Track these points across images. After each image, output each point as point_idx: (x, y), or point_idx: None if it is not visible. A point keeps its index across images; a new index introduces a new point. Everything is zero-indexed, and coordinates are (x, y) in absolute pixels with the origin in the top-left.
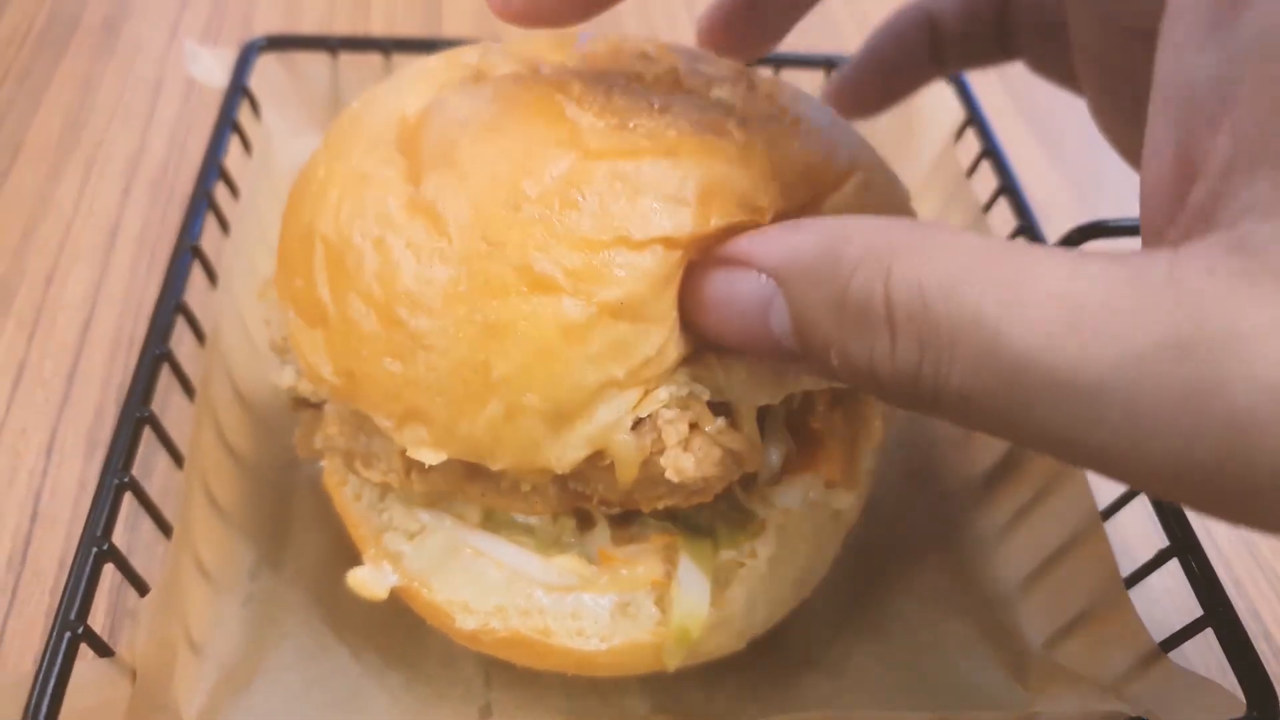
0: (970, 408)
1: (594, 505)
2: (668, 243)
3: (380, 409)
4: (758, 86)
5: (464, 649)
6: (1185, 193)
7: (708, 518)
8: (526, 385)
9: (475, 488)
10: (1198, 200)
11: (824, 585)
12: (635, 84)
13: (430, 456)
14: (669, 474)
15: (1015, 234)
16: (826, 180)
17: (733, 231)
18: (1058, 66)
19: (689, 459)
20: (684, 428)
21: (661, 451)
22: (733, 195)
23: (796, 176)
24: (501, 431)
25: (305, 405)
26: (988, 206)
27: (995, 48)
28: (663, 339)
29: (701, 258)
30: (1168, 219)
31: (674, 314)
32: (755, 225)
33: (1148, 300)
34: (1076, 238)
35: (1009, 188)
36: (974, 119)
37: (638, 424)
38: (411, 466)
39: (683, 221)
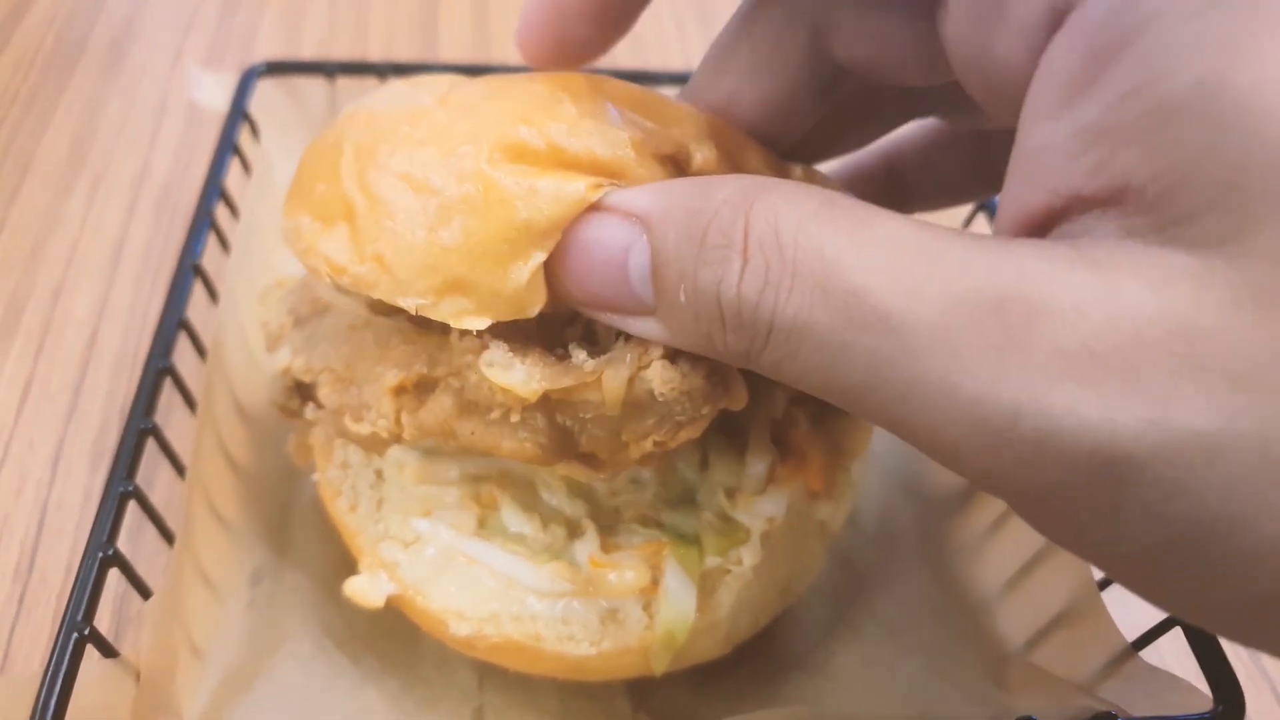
0: (799, 343)
1: (582, 446)
2: (678, 162)
3: (414, 287)
4: None
5: (459, 653)
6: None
7: (694, 526)
8: (561, 230)
9: (466, 425)
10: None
11: (809, 591)
12: None
13: (476, 323)
14: (654, 385)
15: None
16: (781, 169)
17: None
18: None
19: (674, 371)
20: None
21: (648, 366)
22: (735, 149)
23: (763, 160)
24: (540, 278)
25: (297, 402)
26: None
27: (972, 183)
28: None
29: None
30: None
31: None
32: None
33: (978, 254)
34: None
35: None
36: None
37: (624, 341)
38: (401, 409)
39: (708, 152)
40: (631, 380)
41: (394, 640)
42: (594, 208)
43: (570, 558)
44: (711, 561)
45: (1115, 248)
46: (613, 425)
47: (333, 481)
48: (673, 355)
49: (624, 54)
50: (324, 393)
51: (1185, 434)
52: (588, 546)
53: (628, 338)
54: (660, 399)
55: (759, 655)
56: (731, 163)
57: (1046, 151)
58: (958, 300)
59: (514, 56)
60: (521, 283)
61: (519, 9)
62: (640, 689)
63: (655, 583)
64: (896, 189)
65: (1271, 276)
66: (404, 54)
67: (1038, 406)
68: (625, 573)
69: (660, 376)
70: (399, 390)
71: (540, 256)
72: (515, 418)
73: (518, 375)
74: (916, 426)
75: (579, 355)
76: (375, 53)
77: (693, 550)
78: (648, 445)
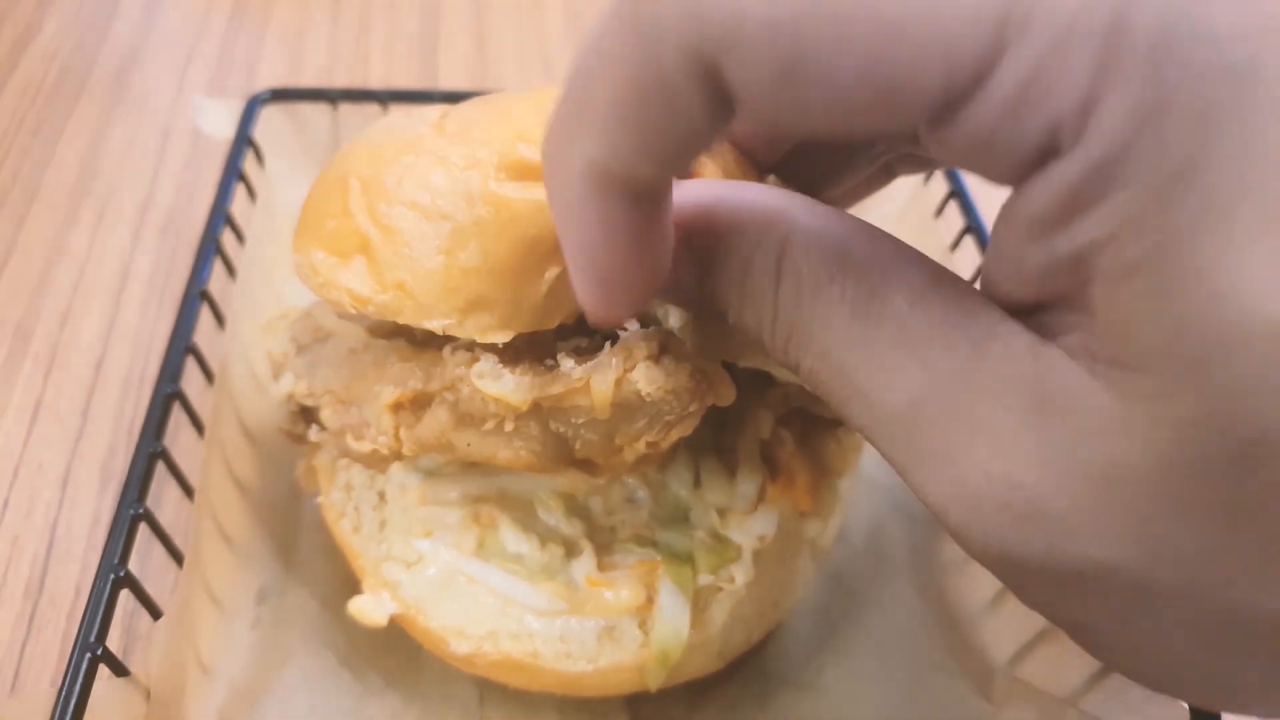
0: (815, 383)
1: (577, 452)
2: None
3: (438, 310)
4: None
5: (460, 669)
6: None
7: (687, 545)
8: None
9: (462, 437)
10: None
11: (800, 606)
12: None
13: (501, 337)
14: (640, 385)
15: (980, 271)
16: (752, 173)
17: None
18: None
19: (659, 371)
20: (654, 345)
21: (633, 368)
22: (729, 163)
23: (735, 160)
24: (558, 290)
25: (302, 427)
26: (954, 245)
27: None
28: None
29: None
30: None
31: None
32: None
33: (950, 354)
34: None
35: (974, 227)
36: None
37: (611, 345)
38: (400, 426)
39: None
40: (618, 383)
41: (396, 657)
42: None
43: (567, 577)
44: (704, 579)
45: (1067, 379)
46: (605, 429)
47: (336, 503)
48: (657, 356)
49: None
50: (326, 414)
51: (1080, 559)
52: (584, 566)
53: (614, 344)
54: (648, 399)
55: (752, 670)
56: (713, 158)
57: (1028, 261)
58: (918, 400)
59: (512, 81)
60: (540, 296)
61: (517, 33)
62: (637, 703)
63: (650, 601)
64: (885, 166)
65: (1178, 449)
66: (404, 78)
67: (958, 516)
68: (621, 591)
69: (646, 377)
70: (396, 406)
71: (555, 270)
72: (509, 427)
73: (508, 385)
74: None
75: (567, 364)
76: (375, 77)
77: (686, 568)
78: (641, 447)
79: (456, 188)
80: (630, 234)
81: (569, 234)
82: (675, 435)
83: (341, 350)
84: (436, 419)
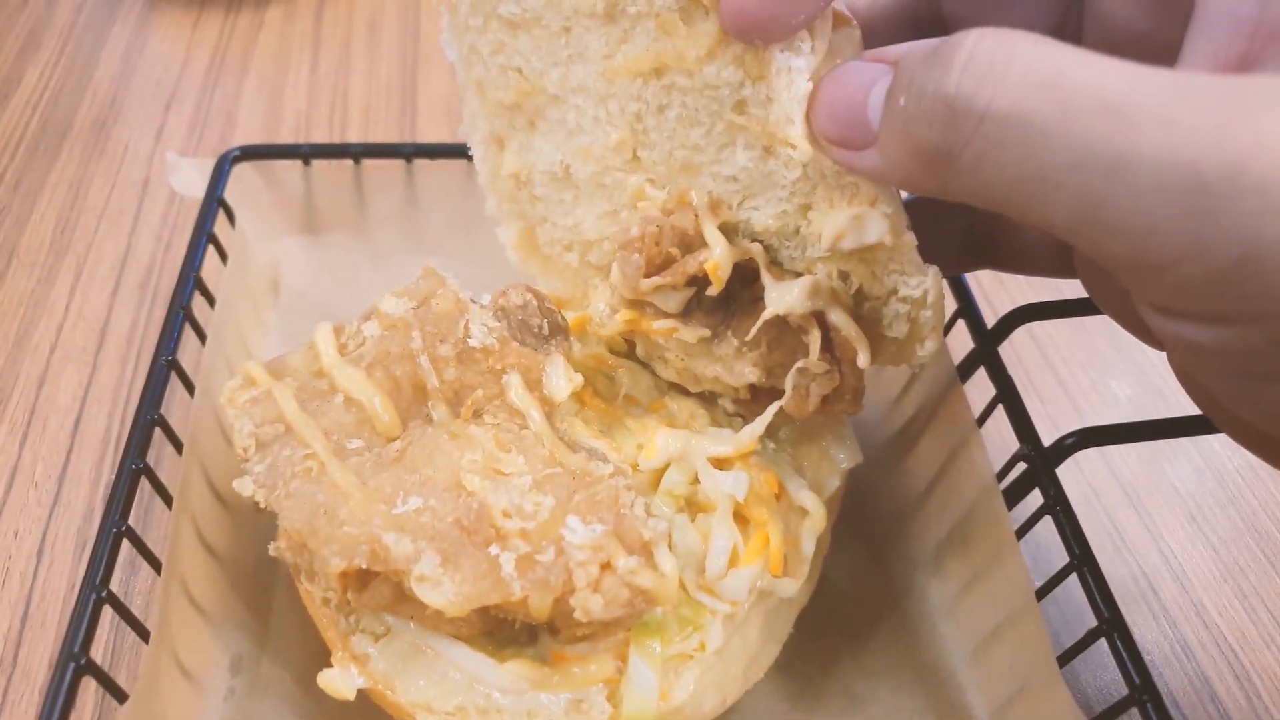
0: (1009, 130)
1: (518, 625)
2: None
3: None
4: None
5: None
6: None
7: (655, 615)
8: None
9: (405, 609)
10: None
11: (776, 665)
12: None
13: None
14: (577, 614)
15: (955, 317)
16: None
17: None
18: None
19: (597, 600)
20: (595, 570)
21: (572, 592)
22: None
23: None
24: None
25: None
26: (949, 322)
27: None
28: None
29: None
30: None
31: None
32: None
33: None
34: (1018, 318)
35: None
36: None
37: (555, 557)
38: (347, 588)
39: None
40: (558, 601)
41: None
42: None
43: (535, 651)
44: (675, 648)
45: None
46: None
47: None
48: (597, 583)
49: None
50: (282, 547)
51: None
52: (552, 640)
53: (558, 554)
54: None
55: None
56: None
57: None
58: (1182, 89)
59: None
60: None
61: None
62: None
63: (619, 672)
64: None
65: None
66: (383, 126)
67: (1269, 159)
68: (589, 664)
69: (583, 606)
70: (344, 574)
71: None
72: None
73: (445, 595)
74: (1119, 198)
75: (508, 566)
76: (354, 125)
77: (655, 638)
78: (579, 635)
79: None
80: None
81: None
82: (614, 631)
83: (298, 459)
84: (380, 593)
